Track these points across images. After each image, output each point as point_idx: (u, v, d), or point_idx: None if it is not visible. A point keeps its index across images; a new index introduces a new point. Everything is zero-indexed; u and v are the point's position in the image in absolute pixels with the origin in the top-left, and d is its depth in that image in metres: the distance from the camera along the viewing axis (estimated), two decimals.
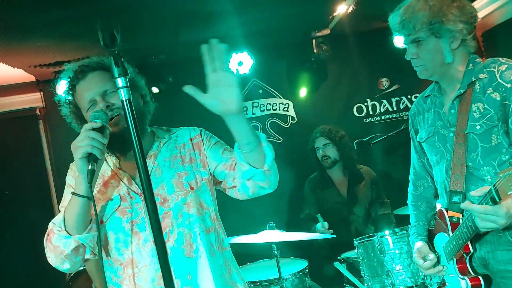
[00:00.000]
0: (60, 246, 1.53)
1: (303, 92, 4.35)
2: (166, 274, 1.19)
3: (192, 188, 1.63)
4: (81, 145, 1.42)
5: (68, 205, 1.52)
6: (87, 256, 1.59)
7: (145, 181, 1.19)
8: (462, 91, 1.76)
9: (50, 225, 1.57)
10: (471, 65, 1.78)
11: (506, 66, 1.71)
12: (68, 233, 1.52)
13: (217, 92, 1.40)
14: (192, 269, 1.58)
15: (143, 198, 1.58)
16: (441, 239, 1.87)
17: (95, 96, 1.59)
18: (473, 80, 1.74)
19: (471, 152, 1.72)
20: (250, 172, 1.53)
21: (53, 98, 3.63)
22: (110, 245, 1.61)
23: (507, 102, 1.65)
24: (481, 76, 1.73)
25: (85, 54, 3.18)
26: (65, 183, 1.70)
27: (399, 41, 4.02)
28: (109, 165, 1.67)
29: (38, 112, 4.15)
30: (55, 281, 3.39)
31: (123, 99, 1.12)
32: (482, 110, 1.70)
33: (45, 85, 4.00)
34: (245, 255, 3.18)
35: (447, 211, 1.80)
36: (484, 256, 1.74)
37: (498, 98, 1.67)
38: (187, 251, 1.58)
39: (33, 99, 4.12)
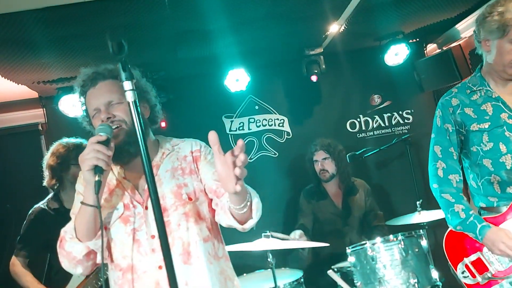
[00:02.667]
0: (72, 252, 1.63)
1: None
2: (172, 280, 1.24)
3: (190, 199, 1.71)
4: (87, 158, 1.51)
5: (78, 214, 1.62)
6: (98, 260, 1.67)
7: (152, 187, 1.23)
8: None
9: (62, 232, 1.67)
10: None
11: None
12: (79, 240, 1.61)
13: (224, 169, 1.40)
14: (189, 276, 1.65)
15: (144, 207, 1.68)
16: None
17: (99, 105, 1.68)
18: None
19: None
20: (231, 222, 1.61)
21: (55, 114, 3.73)
22: (112, 250, 1.70)
23: None
24: None
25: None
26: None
27: (390, 59, 4.19)
28: (114, 174, 1.75)
29: (40, 127, 4.24)
30: None
31: (130, 100, 1.22)
32: None
33: (47, 101, 4.10)
34: (241, 266, 3.24)
35: None
36: None
37: None
38: (184, 259, 1.66)
39: (35, 115, 4.21)
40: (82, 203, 1.58)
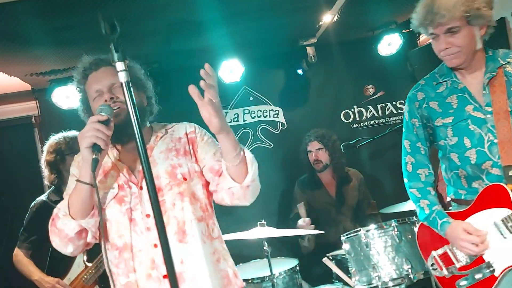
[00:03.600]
0: (64, 230, 1.64)
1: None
2: (168, 257, 1.26)
3: (185, 179, 1.73)
4: (87, 136, 1.53)
5: (73, 192, 1.64)
6: (89, 240, 1.69)
7: (146, 166, 1.26)
8: (494, 73, 1.93)
9: (55, 210, 1.69)
10: (490, 52, 1.97)
11: None
12: (72, 217, 1.62)
13: (203, 110, 1.59)
14: (184, 255, 1.68)
15: (139, 187, 1.70)
16: (494, 215, 1.91)
17: (102, 87, 1.71)
18: (503, 63, 1.93)
19: None
20: (230, 184, 1.69)
21: (49, 106, 3.74)
22: (108, 231, 1.72)
23: None
24: (509, 60, 1.94)
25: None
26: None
27: (383, 49, 4.20)
28: (109, 157, 1.78)
29: (33, 120, 4.23)
30: None
31: (122, 81, 1.23)
32: None
33: (40, 93, 4.07)
34: (237, 256, 3.25)
35: (507, 185, 1.87)
36: None
37: None
38: (179, 237, 1.68)
39: (28, 108, 4.19)
40: (77, 180, 1.59)
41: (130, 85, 1.24)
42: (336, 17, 3.67)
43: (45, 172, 3.06)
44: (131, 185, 1.72)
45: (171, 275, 1.23)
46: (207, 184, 1.82)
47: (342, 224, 3.74)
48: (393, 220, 2.68)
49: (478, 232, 1.93)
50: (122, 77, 1.21)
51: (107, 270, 1.71)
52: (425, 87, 2.12)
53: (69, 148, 2.97)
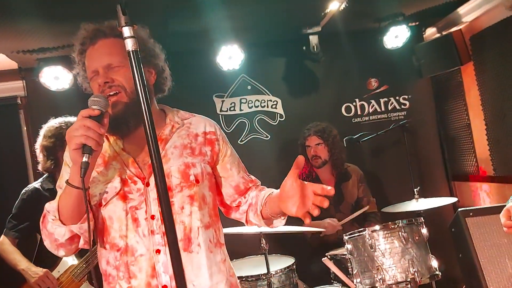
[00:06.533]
0: (54, 234, 1.45)
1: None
2: (177, 267, 1.11)
3: (197, 181, 1.55)
4: (75, 135, 1.31)
5: (63, 194, 1.43)
6: (81, 245, 1.50)
7: (157, 162, 1.10)
8: None
9: (46, 207, 1.48)
10: None
11: None
12: (62, 222, 1.43)
13: (292, 190, 1.43)
14: (187, 264, 1.49)
15: (145, 184, 1.50)
16: None
17: (98, 67, 1.49)
18: None
19: None
20: (257, 222, 1.64)
21: (36, 86, 3.52)
22: (108, 229, 1.51)
23: None
24: None
25: (72, 40, 3.07)
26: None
27: (389, 41, 4.05)
28: (111, 144, 1.56)
29: (19, 101, 4.00)
30: None
31: (130, 49, 1.04)
32: None
33: (27, 73, 3.85)
34: (232, 252, 3.10)
35: None
36: None
37: None
38: (184, 245, 1.50)
39: (14, 88, 3.95)
40: (67, 183, 1.38)
41: (139, 55, 1.04)
42: (343, 5, 3.50)
43: (40, 157, 2.86)
44: (136, 180, 1.51)
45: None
46: (215, 185, 1.66)
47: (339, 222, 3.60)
48: (400, 221, 2.54)
49: None
50: (130, 44, 1.02)
51: (102, 270, 1.54)
52: None
53: None
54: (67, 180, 1.40)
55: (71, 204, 1.40)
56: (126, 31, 1.08)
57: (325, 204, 1.35)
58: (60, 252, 1.50)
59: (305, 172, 3.75)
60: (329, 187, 1.36)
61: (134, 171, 1.51)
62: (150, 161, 1.13)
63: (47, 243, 1.50)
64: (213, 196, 1.63)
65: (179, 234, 1.49)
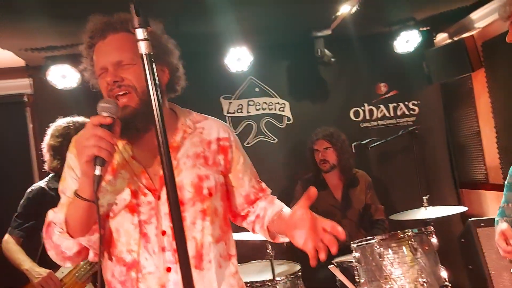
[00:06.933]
0: (60, 246, 1.37)
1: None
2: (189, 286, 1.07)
3: (210, 195, 1.46)
4: (87, 145, 1.21)
5: (71, 206, 1.33)
6: (90, 258, 1.43)
7: (169, 175, 1.04)
8: None
9: (50, 215, 1.39)
10: None
11: None
12: (70, 235, 1.34)
13: (302, 222, 1.37)
14: (198, 282, 1.39)
15: (156, 197, 1.40)
16: None
17: (107, 64, 1.37)
18: None
19: None
20: (264, 235, 1.58)
21: (43, 85, 3.47)
22: (114, 242, 1.43)
23: None
24: None
25: (80, 39, 3.04)
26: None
27: (400, 46, 4.00)
28: (119, 150, 1.43)
29: (26, 99, 3.98)
30: None
31: (143, 52, 1.00)
32: None
33: (34, 70, 3.83)
34: (237, 256, 3.08)
35: None
36: None
37: None
38: (196, 262, 1.41)
39: (21, 85, 3.93)
40: (77, 195, 1.28)
41: (153, 60, 0.99)
42: (354, 9, 3.46)
43: (47, 156, 2.83)
44: (146, 193, 1.41)
45: None
46: (226, 193, 1.58)
47: (346, 229, 3.51)
48: (410, 230, 2.50)
49: None
50: (143, 48, 0.98)
51: (106, 281, 1.46)
52: None
53: None
54: (76, 191, 1.30)
55: (80, 216, 1.31)
56: (140, 33, 1.02)
57: (333, 249, 1.28)
58: (67, 264, 1.44)
59: (312, 176, 3.72)
60: (340, 229, 1.30)
61: (145, 182, 1.42)
62: (161, 171, 1.07)
63: (52, 254, 1.41)
64: (224, 206, 1.55)
65: (191, 251, 1.38)
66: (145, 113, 1.32)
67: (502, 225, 2.03)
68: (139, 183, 1.41)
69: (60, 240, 1.36)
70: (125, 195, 1.40)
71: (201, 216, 1.43)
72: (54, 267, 2.72)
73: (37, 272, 2.67)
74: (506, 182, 2.20)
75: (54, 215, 1.37)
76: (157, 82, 1.04)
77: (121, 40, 1.38)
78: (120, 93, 1.36)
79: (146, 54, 1.00)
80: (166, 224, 1.39)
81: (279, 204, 1.59)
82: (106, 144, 1.21)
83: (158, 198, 1.41)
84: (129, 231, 1.40)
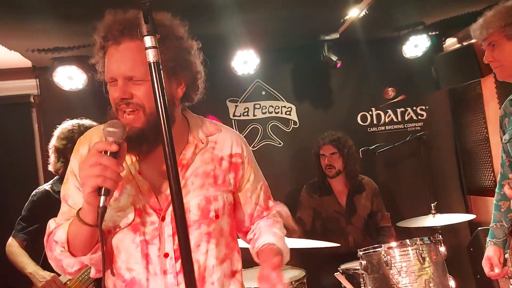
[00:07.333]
0: (62, 262, 1.34)
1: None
2: None
3: (217, 217, 1.41)
4: (91, 175, 1.14)
5: (74, 227, 1.27)
6: (92, 275, 1.41)
7: (177, 197, 1.02)
8: None
9: (51, 224, 1.37)
10: None
11: None
12: (71, 254, 1.30)
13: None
14: None
15: (160, 218, 1.35)
16: None
17: (118, 75, 1.28)
18: None
19: None
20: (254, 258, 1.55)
21: (50, 86, 3.45)
22: (115, 258, 1.39)
23: None
24: None
25: (87, 40, 3.03)
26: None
27: (409, 50, 3.96)
28: (126, 163, 1.36)
29: (32, 99, 3.97)
30: None
31: (150, 61, 0.98)
32: None
33: (41, 71, 3.82)
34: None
35: None
36: None
37: None
38: (199, 286, 1.36)
39: (27, 86, 3.93)
40: (79, 219, 1.22)
41: (161, 69, 0.96)
42: (363, 13, 3.43)
43: (51, 158, 2.84)
44: (150, 212, 1.35)
45: None
46: (233, 209, 1.53)
47: (351, 235, 3.53)
48: (418, 238, 2.46)
49: None
50: (151, 56, 0.95)
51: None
52: (506, 103, 2.08)
53: None
54: (79, 214, 1.24)
55: (83, 238, 1.27)
56: (148, 41, 1.00)
57: None
58: (67, 276, 1.44)
59: (317, 181, 3.68)
60: None
61: (150, 200, 1.35)
62: (168, 190, 1.04)
63: (53, 265, 1.39)
64: (231, 223, 1.49)
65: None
66: (150, 134, 1.28)
67: (488, 251, 2.12)
68: (144, 202, 1.35)
69: (61, 256, 1.33)
70: (129, 214, 1.34)
71: (206, 239, 1.39)
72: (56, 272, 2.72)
73: (41, 275, 2.66)
74: (494, 201, 2.21)
75: (55, 236, 1.34)
76: (165, 98, 1.01)
77: (136, 51, 1.28)
78: (127, 110, 1.29)
79: (154, 62, 0.97)
80: (169, 247, 1.34)
81: (272, 235, 1.51)
82: (111, 173, 1.15)
83: (162, 219, 1.36)
84: (129, 250, 1.36)
